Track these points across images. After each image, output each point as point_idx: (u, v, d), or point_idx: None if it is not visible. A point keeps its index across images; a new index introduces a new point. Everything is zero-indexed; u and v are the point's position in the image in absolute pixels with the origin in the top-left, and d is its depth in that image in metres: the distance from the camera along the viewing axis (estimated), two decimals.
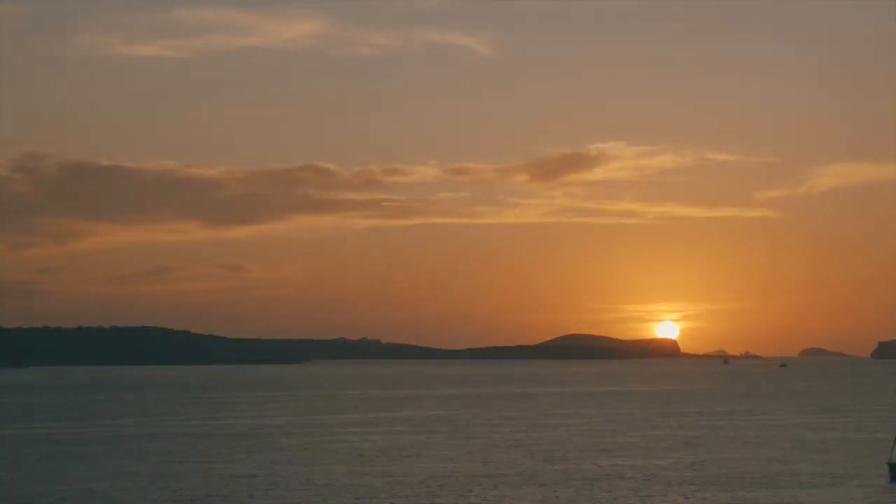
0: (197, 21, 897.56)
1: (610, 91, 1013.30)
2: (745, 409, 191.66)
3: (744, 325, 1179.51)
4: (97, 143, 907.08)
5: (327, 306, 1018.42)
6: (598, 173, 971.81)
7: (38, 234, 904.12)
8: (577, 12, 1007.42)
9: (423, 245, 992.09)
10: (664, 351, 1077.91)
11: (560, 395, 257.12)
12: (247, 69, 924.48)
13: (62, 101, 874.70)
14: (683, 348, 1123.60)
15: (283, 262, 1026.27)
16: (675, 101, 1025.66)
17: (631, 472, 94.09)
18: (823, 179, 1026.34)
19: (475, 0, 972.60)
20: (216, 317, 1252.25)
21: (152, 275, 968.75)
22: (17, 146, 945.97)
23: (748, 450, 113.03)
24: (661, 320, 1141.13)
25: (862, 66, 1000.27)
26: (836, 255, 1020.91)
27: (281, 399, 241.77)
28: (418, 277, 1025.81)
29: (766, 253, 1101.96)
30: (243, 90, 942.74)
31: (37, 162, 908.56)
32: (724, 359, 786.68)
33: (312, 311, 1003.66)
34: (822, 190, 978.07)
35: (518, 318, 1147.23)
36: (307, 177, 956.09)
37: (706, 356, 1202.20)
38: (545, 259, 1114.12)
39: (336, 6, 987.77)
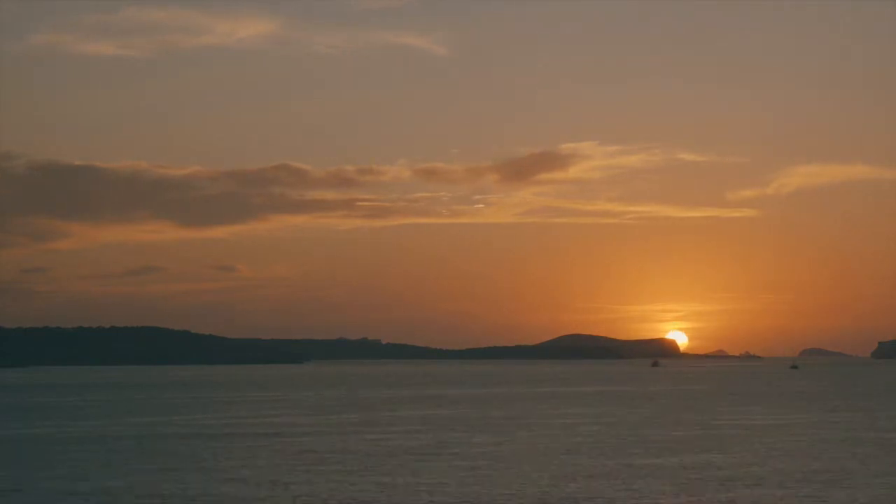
0: (147, 20, 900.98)
1: (579, 91, 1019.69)
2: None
3: (744, 325, 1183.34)
4: (67, 143, 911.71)
5: (327, 306, 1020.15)
6: (571, 172, 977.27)
7: (15, 233, 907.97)
8: (529, 12, 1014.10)
9: (411, 245, 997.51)
10: (664, 351, 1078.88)
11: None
12: (207, 68, 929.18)
13: (29, 101, 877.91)
14: (684, 348, 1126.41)
15: (272, 263, 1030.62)
16: (646, 102, 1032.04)
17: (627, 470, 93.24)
18: (792, 180, 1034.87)
19: (423, 1, 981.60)
20: (215, 317, 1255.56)
21: (142, 275, 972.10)
22: None
23: (752, 449, 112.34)
24: (663, 321, 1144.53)
25: (830, 69, 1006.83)
26: (826, 254, 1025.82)
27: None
28: (413, 278, 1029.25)
29: (760, 253, 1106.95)
30: (207, 89, 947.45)
31: (7, 162, 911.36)
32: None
33: (312, 312, 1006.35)
34: (791, 191, 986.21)
35: (518, 318, 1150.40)
36: (280, 176, 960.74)
37: (707, 356, 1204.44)
38: (540, 259, 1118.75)
39: (279, 7, 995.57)
